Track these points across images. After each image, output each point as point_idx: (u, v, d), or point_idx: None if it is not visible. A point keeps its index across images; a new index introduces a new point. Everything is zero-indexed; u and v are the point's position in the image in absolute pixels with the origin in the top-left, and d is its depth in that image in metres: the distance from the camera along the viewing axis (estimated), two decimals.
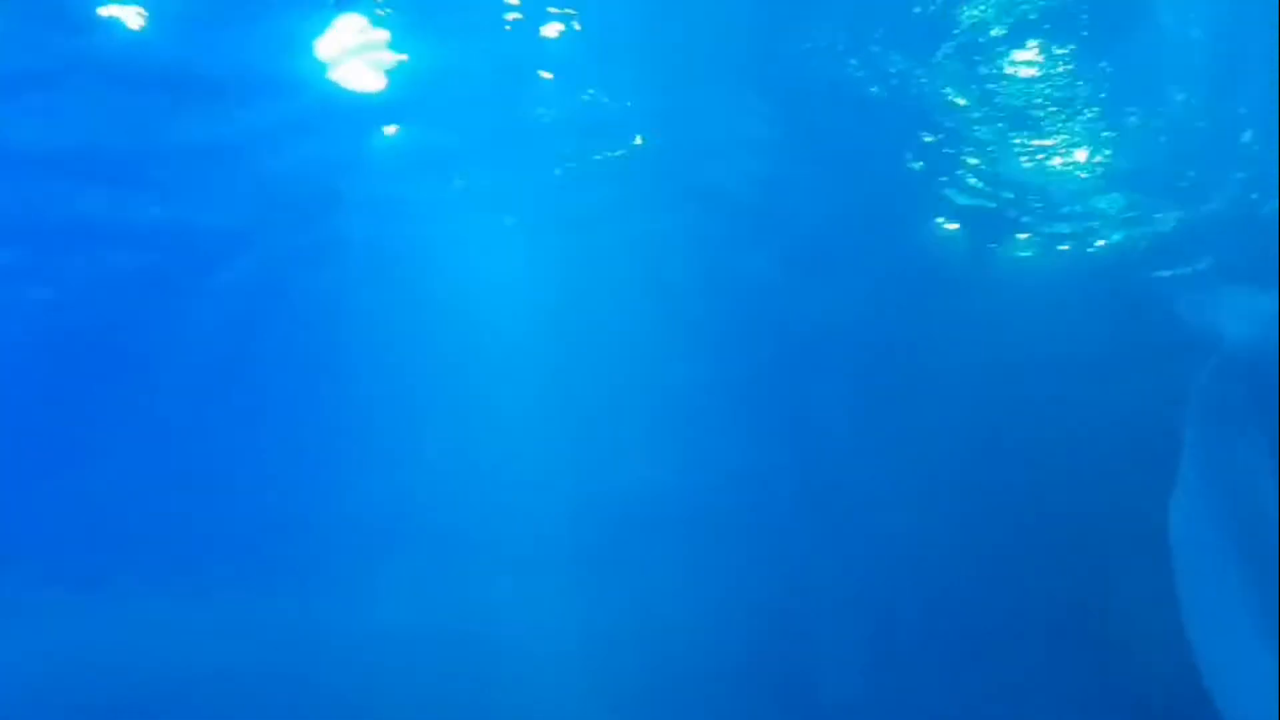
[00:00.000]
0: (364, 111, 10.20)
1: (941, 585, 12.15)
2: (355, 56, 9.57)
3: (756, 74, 9.83)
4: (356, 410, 13.09)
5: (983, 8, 8.87)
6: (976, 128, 10.12)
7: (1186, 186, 10.52)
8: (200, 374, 12.88)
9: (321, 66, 9.61)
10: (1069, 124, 9.98)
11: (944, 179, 10.87)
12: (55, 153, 10.68)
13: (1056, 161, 10.46)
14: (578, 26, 9.21)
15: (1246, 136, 9.89)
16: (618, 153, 10.88)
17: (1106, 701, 11.49)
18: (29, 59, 9.51)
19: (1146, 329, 11.27)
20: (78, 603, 12.49)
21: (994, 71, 9.53)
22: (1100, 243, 11.49)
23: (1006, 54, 9.36)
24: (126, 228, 11.75)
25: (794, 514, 12.78)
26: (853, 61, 9.56)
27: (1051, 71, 9.46)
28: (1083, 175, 10.54)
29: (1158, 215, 10.94)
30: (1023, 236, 11.64)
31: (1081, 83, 9.52)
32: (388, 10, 8.99)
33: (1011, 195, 10.96)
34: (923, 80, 9.66)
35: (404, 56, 9.55)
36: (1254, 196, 10.34)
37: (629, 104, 10.27)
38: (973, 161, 10.57)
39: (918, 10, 8.95)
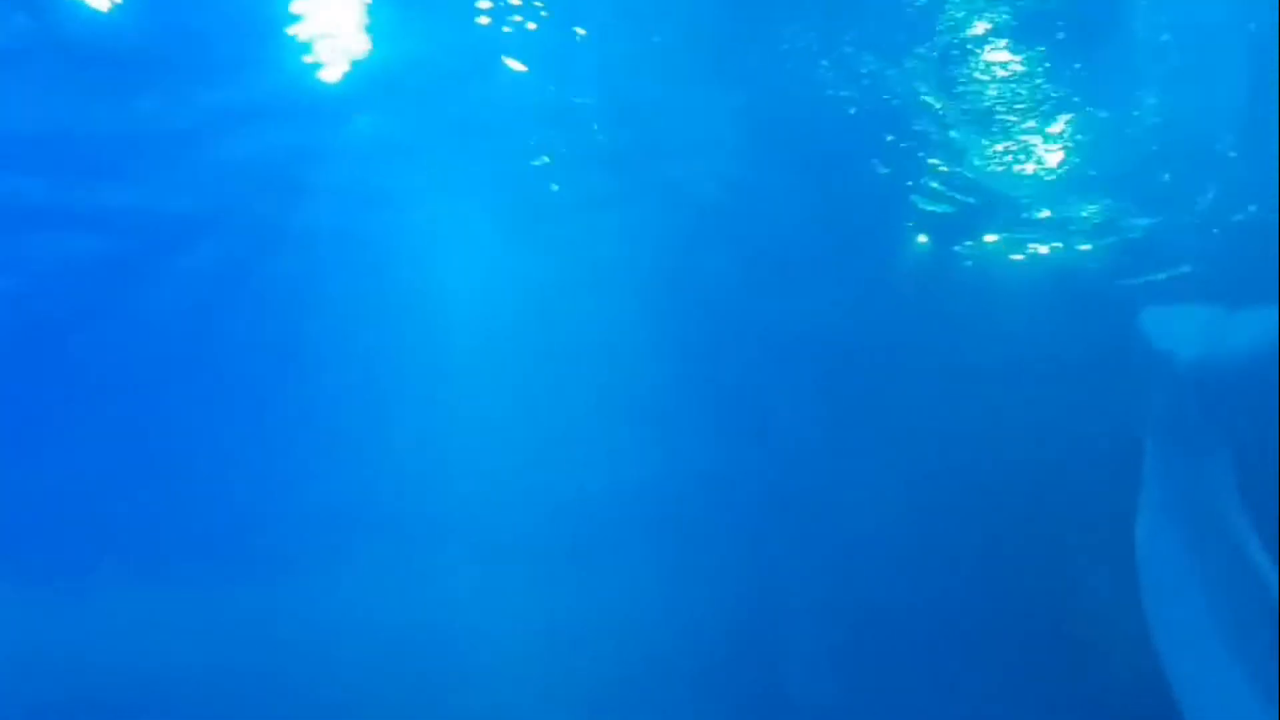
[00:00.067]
0: (331, 98, 10.09)
1: (912, 588, 12.12)
2: (324, 42, 9.53)
3: (726, 72, 9.81)
4: (323, 401, 12.97)
5: (957, 10, 8.86)
6: (947, 130, 10.11)
7: (1157, 193, 10.52)
8: (162, 363, 12.71)
9: (290, 51, 9.54)
10: (1040, 128, 9.98)
11: (912, 182, 10.85)
12: (12, 136, 10.51)
13: (1028, 167, 10.47)
14: (545, 15, 9.17)
15: (1219, 144, 9.90)
16: (585, 146, 10.81)
17: (1076, 708, 11.49)
18: None
19: (1114, 336, 11.25)
20: (35, 597, 12.33)
21: (966, 73, 9.52)
22: (1069, 248, 11.48)
23: (979, 56, 9.35)
24: (88, 213, 11.61)
25: (763, 516, 12.73)
26: (824, 62, 9.55)
27: (1023, 74, 9.46)
28: (1052, 180, 10.54)
29: (1128, 222, 10.94)
30: (991, 239, 11.63)
31: (1053, 86, 9.52)
32: None
33: (980, 199, 10.96)
34: (895, 82, 9.64)
35: (373, 44, 9.50)
36: (1225, 205, 10.35)
37: (597, 97, 10.22)
38: (942, 165, 10.56)
39: (891, 12, 8.93)
